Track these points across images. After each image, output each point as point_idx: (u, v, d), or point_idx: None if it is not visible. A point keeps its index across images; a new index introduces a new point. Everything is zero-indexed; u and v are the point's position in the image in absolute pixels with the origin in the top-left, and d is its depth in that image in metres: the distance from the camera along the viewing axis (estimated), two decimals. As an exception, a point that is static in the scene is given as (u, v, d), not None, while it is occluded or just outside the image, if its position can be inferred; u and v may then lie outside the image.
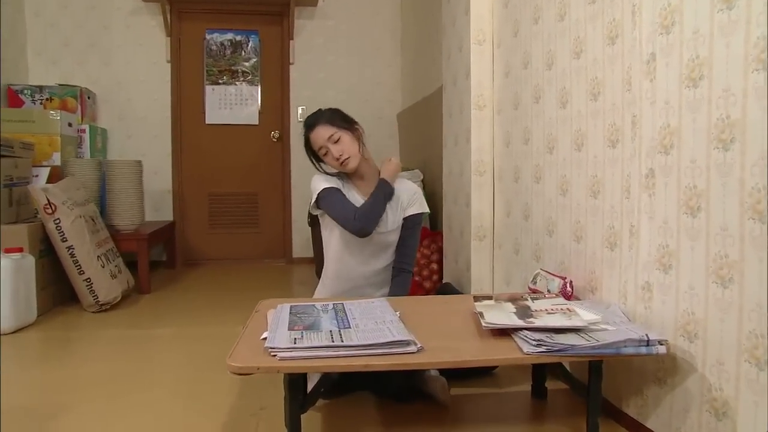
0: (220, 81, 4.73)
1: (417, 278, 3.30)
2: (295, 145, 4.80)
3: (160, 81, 4.59)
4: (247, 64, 4.77)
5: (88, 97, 4.28)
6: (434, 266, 3.32)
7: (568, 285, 1.73)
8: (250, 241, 4.86)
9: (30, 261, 2.81)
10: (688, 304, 1.33)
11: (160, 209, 4.66)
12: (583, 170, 1.79)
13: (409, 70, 4.65)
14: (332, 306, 1.64)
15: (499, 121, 2.52)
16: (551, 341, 1.27)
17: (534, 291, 1.87)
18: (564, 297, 1.69)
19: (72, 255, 2.99)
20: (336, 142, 2.01)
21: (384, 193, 2.04)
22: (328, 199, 2.02)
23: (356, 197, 2.08)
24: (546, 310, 1.50)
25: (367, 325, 1.45)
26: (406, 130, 4.72)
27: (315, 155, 2.10)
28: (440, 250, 3.26)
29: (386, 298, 1.74)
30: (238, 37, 4.74)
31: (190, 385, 2.03)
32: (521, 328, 1.36)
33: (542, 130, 2.09)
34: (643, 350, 1.27)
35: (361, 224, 1.95)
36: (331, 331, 1.40)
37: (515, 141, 2.34)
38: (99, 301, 3.05)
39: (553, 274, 1.82)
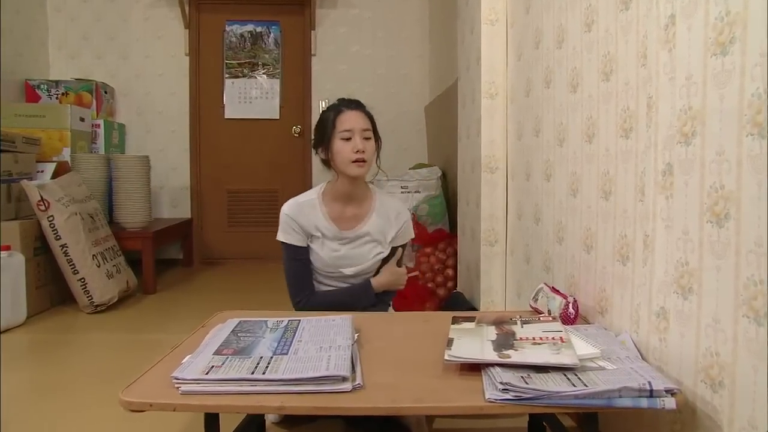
0: (240, 74, 4.56)
1: (430, 285, 3.02)
2: (317, 141, 4.58)
3: (179, 74, 4.47)
4: (267, 56, 4.58)
5: (105, 92, 4.20)
6: (449, 272, 3.03)
7: (570, 306, 1.42)
8: (269, 239, 4.62)
9: (19, 259, 2.70)
10: (711, 342, 1.01)
11: (178, 206, 4.54)
12: (594, 166, 1.47)
13: (437, 60, 4.36)
14: (285, 323, 1.40)
15: (513, 111, 2.22)
16: (522, 386, 0.98)
17: (535, 310, 1.57)
18: (564, 321, 1.39)
19: (66, 253, 2.87)
20: (366, 139, 1.71)
21: (359, 303, 1.74)
22: (284, 258, 1.79)
23: (326, 227, 1.76)
24: (533, 338, 1.20)
25: (309, 351, 1.19)
26: (432, 123, 4.43)
27: (323, 137, 1.74)
28: (456, 255, 2.97)
29: (355, 315, 1.49)
30: (259, 29, 4.57)
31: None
32: (492, 364, 1.08)
33: (552, 120, 1.78)
34: (644, 403, 0.96)
35: (299, 308, 1.75)
36: (261, 357, 1.16)
37: (527, 133, 2.04)
38: (94, 302, 2.92)
39: (556, 291, 1.51)
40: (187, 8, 4.38)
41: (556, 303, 1.46)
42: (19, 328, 2.67)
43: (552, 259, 1.79)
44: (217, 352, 1.19)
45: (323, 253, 1.76)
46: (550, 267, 1.81)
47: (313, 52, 4.56)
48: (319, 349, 1.20)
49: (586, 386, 0.99)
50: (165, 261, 4.39)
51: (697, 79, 1.04)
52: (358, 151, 1.68)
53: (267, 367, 1.10)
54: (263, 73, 4.58)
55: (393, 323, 1.53)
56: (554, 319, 1.36)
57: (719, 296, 0.99)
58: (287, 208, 1.78)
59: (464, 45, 2.61)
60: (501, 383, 0.99)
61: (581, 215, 1.56)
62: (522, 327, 1.30)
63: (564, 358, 1.07)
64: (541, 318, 1.37)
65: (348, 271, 1.79)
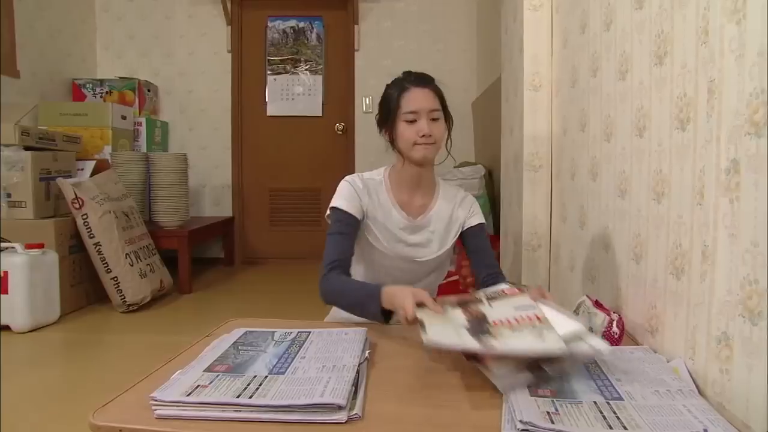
0: (283, 70, 4.50)
1: (470, 291, 2.85)
2: (360, 139, 4.48)
3: (221, 72, 4.45)
4: (310, 52, 4.50)
5: (148, 90, 4.22)
6: (491, 277, 2.84)
7: (614, 324, 1.23)
8: (311, 239, 4.59)
9: (52, 257, 2.70)
10: (787, 380, 0.82)
11: (220, 204, 4.53)
12: (645, 163, 1.28)
13: (484, 54, 4.17)
14: (294, 335, 1.28)
15: (557, 103, 2.02)
16: (546, 426, 0.81)
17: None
18: (609, 340, 1.21)
19: (99, 252, 2.86)
20: (434, 120, 1.49)
21: (363, 306, 1.42)
22: (330, 226, 1.54)
23: (393, 214, 1.56)
24: (508, 321, 1.07)
25: (309, 370, 1.06)
26: (479, 120, 4.24)
27: (387, 117, 1.53)
28: (500, 259, 2.79)
29: (371, 325, 1.35)
30: (301, 24, 4.49)
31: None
32: (477, 357, 0.93)
33: (599, 111, 1.58)
34: (700, 457, 0.78)
35: (320, 289, 1.49)
36: (254, 377, 1.03)
37: (572, 127, 1.84)
38: (126, 301, 2.90)
39: (599, 306, 1.33)
40: (229, 5, 4.35)
41: (599, 320, 1.28)
42: (52, 326, 2.68)
43: (597, 268, 1.60)
44: (209, 369, 1.07)
45: (388, 235, 1.57)
46: (595, 276, 1.62)
47: (356, 47, 4.45)
48: (321, 369, 1.06)
49: (626, 429, 0.82)
50: (207, 260, 4.38)
51: (771, 55, 0.84)
52: (423, 135, 1.47)
53: (257, 389, 0.98)
54: (306, 69, 4.51)
55: (413, 338, 1.38)
56: (520, 290, 1.22)
57: (798, 325, 0.79)
58: (350, 178, 1.57)
59: (507, 35, 2.43)
60: (521, 422, 0.83)
61: (630, 220, 1.37)
62: (491, 306, 1.14)
63: (551, 342, 0.98)
64: (506, 291, 1.21)
65: (421, 259, 1.59)
